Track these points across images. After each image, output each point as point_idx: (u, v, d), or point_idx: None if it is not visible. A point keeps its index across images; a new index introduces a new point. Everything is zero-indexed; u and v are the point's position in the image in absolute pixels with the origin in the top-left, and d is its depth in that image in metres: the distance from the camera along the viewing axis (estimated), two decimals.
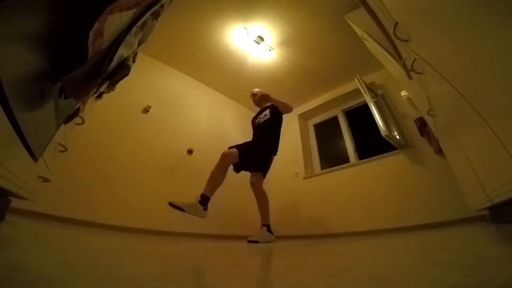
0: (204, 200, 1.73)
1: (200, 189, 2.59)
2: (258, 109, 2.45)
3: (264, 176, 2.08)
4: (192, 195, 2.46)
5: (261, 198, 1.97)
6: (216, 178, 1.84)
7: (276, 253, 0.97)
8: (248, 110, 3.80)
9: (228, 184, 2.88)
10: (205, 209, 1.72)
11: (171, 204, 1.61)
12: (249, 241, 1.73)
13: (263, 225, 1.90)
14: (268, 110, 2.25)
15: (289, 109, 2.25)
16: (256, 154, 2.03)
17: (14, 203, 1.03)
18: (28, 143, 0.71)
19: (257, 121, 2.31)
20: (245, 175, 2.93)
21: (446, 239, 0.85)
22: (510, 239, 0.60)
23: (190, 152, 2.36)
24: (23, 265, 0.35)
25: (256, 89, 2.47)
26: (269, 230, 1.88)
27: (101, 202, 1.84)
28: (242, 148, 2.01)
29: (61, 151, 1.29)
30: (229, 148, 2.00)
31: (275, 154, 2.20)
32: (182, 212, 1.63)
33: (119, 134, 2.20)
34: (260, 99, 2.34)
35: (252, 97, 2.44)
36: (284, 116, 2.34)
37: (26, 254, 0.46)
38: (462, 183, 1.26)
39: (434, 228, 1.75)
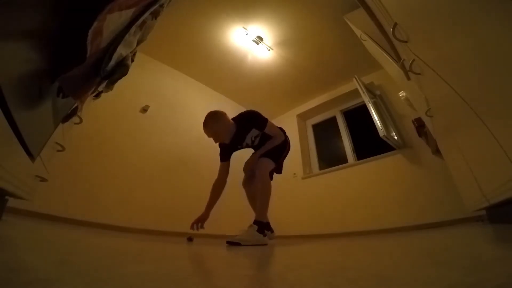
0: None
1: (198, 188, 2.59)
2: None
3: (276, 162, 1.68)
4: (190, 195, 2.47)
5: (263, 186, 1.53)
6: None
7: (275, 253, 0.97)
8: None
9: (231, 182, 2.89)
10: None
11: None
12: (229, 242, 1.27)
13: (255, 222, 1.43)
14: (253, 129, 1.74)
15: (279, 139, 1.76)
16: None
17: (11, 202, 1.02)
18: (26, 142, 0.71)
19: (247, 143, 1.82)
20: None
21: (443, 239, 0.86)
22: (507, 240, 0.61)
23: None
24: (20, 266, 0.35)
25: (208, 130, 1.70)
26: (262, 228, 1.42)
27: (99, 202, 1.83)
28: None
29: (58, 151, 1.29)
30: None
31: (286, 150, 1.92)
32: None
33: (117, 133, 2.19)
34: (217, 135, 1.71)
35: (214, 138, 1.75)
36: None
37: (23, 254, 0.46)
38: (460, 184, 1.27)
39: (432, 228, 1.76)
